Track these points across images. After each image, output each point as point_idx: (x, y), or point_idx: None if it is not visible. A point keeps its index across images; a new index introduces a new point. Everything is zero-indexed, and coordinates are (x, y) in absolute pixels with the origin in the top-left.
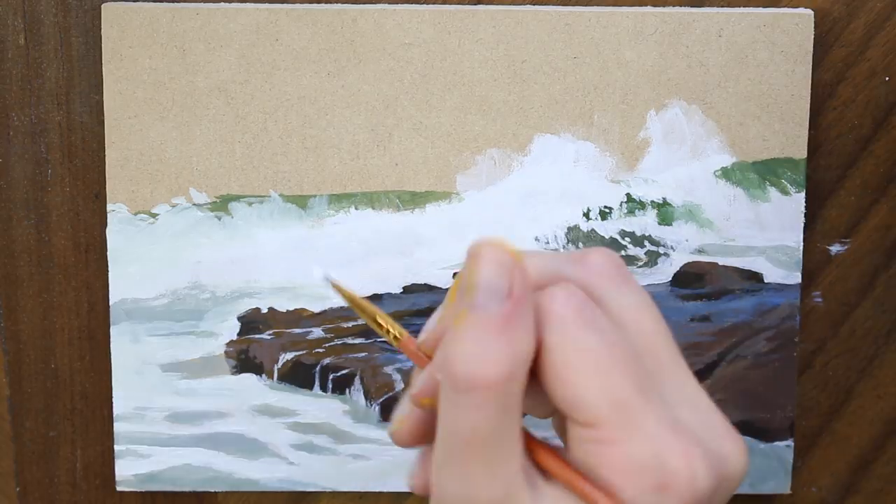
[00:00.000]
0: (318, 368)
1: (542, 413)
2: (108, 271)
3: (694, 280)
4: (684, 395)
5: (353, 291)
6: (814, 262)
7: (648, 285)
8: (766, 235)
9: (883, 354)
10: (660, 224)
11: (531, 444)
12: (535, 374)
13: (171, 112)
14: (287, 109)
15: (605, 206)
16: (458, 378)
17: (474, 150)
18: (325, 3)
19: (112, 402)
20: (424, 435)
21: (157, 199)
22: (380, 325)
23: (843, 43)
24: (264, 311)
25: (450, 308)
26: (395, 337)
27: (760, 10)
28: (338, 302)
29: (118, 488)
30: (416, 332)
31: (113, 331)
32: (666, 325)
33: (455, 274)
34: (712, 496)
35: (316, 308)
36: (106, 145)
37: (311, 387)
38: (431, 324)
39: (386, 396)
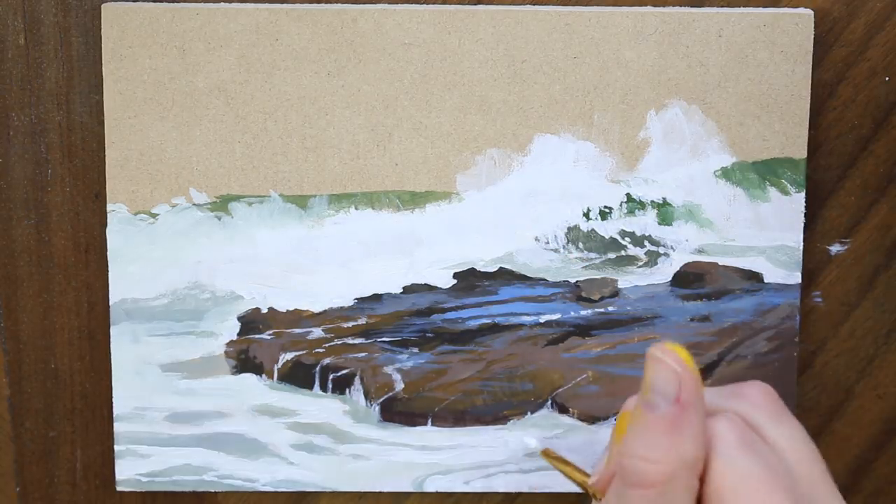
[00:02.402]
0: (318, 368)
1: None
2: (108, 271)
3: (694, 280)
4: None
5: (564, 458)
6: (814, 262)
7: (648, 285)
8: (766, 235)
9: (883, 354)
10: (660, 224)
11: None
12: (702, 501)
13: (171, 112)
14: (287, 109)
15: (605, 206)
16: (628, 473)
17: (474, 150)
18: (325, 3)
19: (112, 402)
20: None
21: (157, 199)
22: (586, 488)
23: (843, 43)
24: (264, 311)
25: (614, 447)
26: (593, 494)
27: (760, 10)
28: (338, 302)
29: (118, 488)
30: (417, 332)
31: (113, 331)
32: (821, 457)
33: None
34: None
35: (316, 308)
36: (106, 145)
37: (311, 387)
38: (601, 465)
39: (386, 396)
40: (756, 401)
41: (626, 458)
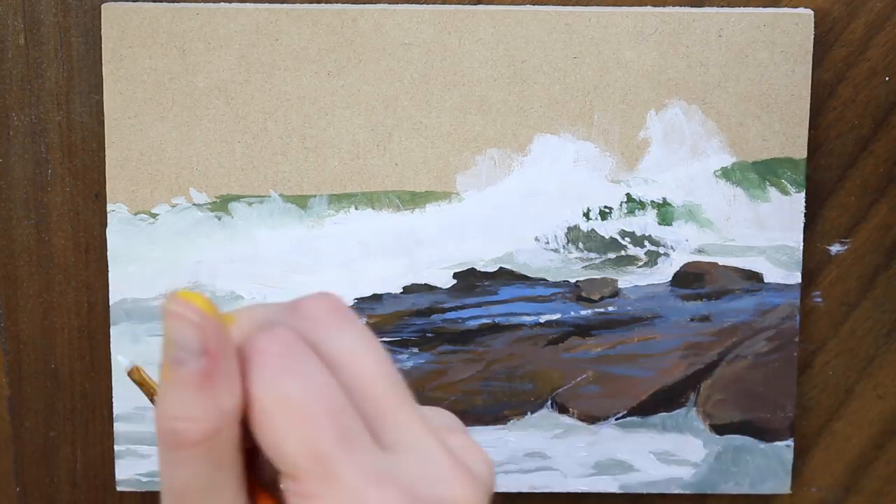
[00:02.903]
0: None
1: None
2: (108, 271)
3: (694, 280)
4: (405, 441)
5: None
6: (814, 262)
7: (648, 285)
8: (766, 235)
9: (883, 354)
10: (660, 224)
11: (258, 493)
12: (246, 421)
13: (171, 112)
14: (287, 109)
15: (605, 206)
16: (166, 435)
17: (474, 150)
18: (325, 3)
19: (112, 402)
20: None
21: (157, 199)
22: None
23: (843, 43)
24: None
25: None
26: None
27: (760, 10)
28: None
29: (118, 488)
30: (417, 332)
31: (113, 331)
32: (392, 366)
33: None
34: None
35: None
36: (106, 145)
37: None
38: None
39: None
40: (312, 313)
41: (164, 420)
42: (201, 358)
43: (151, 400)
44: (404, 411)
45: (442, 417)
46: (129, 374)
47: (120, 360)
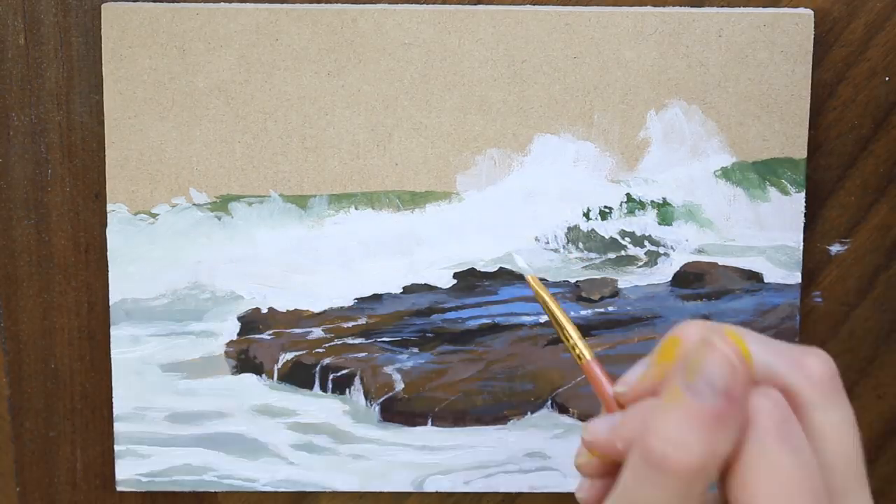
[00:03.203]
0: (318, 368)
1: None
2: (108, 271)
3: (694, 280)
4: None
5: (547, 294)
6: (814, 262)
7: (648, 285)
8: (766, 235)
9: (883, 354)
10: (660, 224)
11: None
12: (723, 469)
13: (171, 112)
14: (287, 109)
15: (605, 206)
16: (653, 454)
17: (474, 150)
18: (325, 3)
19: (112, 402)
20: (608, 474)
21: (157, 199)
22: (566, 338)
23: (843, 43)
24: (264, 311)
25: (655, 369)
26: (578, 356)
27: (760, 10)
28: (338, 302)
29: (118, 488)
30: (417, 332)
31: (113, 331)
32: (861, 449)
33: (663, 339)
34: None
35: (316, 308)
36: (106, 145)
37: (311, 387)
38: (633, 376)
39: (386, 396)
40: (813, 376)
41: (655, 438)
42: (721, 399)
43: (544, 306)
44: (864, 495)
45: None
46: (528, 279)
47: (515, 258)
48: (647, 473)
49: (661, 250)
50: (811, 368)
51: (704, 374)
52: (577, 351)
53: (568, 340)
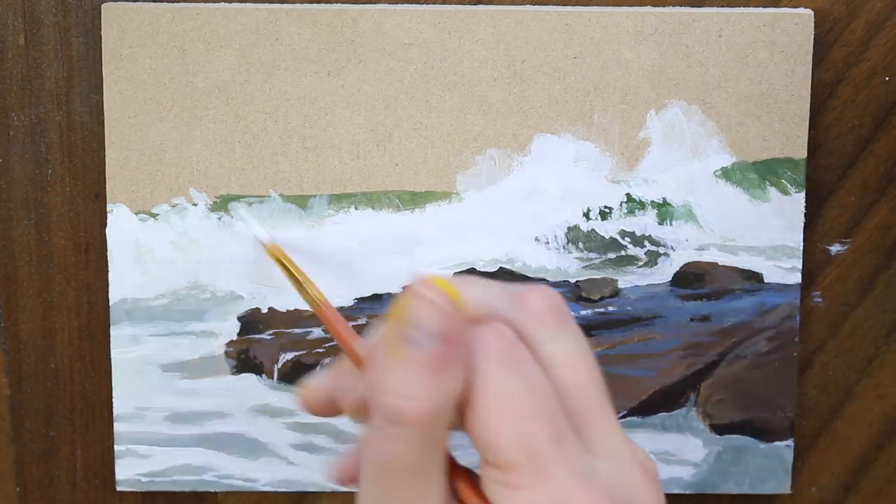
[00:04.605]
0: (318, 368)
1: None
2: (108, 271)
3: (694, 280)
4: (607, 446)
5: (283, 253)
6: (814, 262)
7: (648, 285)
8: (766, 235)
9: (883, 354)
10: (660, 224)
11: (455, 473)
12: (459, 407)
13: (171, 112)
14: (287, 109)
15: (605, 206)
16: (386, 410)
17: (474, 150)
18: (325, 3)
19: (112, 402)
20: (330, 409)
21: (157, 199)
22: (312, 300)
23: (843, 43)
24: (264, 311)
25: (386, 328)
26: (314, 301)
27: (760, 10)
28: (338, 302)
29: (118, 488)
30: None
31: (113, 331)
32: (599, 372)
33: (399, 293)
34: None
35: None
36: (106, 145)
37: None
38: (374, 337)
39: None
40: (536, 311)
41: (385, 394)
42: (438, 343)
43: (291, 278)
44: (608, 418)
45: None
46: (269, 250)
47: (256, 231)
48: (386, 431)
49: (661, 250)
50: (532, 303)
51: (416, 323)
52: (319, 306)
53: (313, 301)
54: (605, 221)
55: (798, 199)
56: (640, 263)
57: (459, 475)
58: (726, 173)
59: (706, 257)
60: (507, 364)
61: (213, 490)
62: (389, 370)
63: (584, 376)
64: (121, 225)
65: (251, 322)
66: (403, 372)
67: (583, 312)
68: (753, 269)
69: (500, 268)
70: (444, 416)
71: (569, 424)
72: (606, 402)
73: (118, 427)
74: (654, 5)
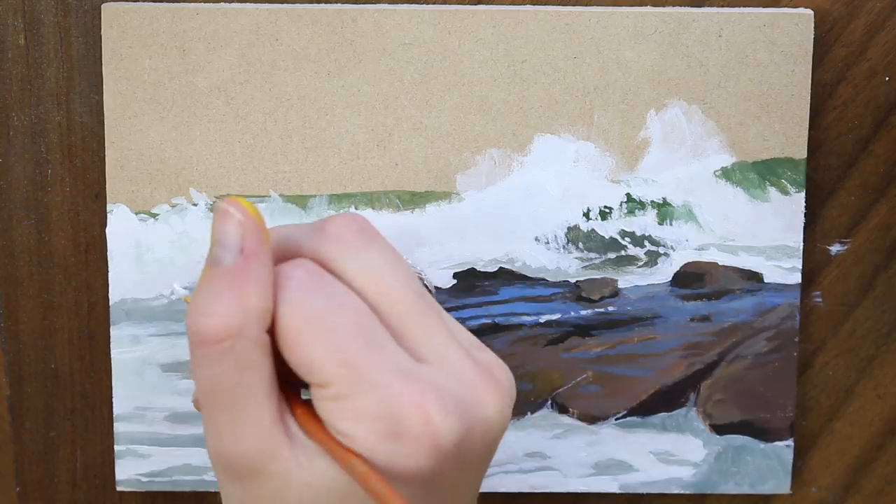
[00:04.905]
0: None
1: None
2: (108, 271)
3: (694, 280)
4: (433, 349)
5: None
6: (814, 262)
7: (648, 285)
8: (766, 235)
9: (883, 354)
10: (660, 224)
11: (295, 406)
12: (278, 342)
13: (171, 112)
14: (287, 109)
15: (605, 206)
16: (192, 331)
17: (474, 150)
18: (325, 3)
19: (112, 402)
20: None
21: (157, 199)
22: None
23: (843, 43)
24: None
25: None
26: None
27: (760, 10)
28: None
29: (118, 488)
30: None
31: (113, 331)
32: (417, 282)
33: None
34: (464, 440)
35: None
36: (106, 145)
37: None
38: None
39: None
40: (336, 235)
41: (191, 316)
42: (234, 256)
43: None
44: (431, 323)
45: (469, 336)
46: (187, 300)
47: (176, 287)
48: (197, 354)
49: (661, 250)
50: (332, 229)
51: (218, 240)
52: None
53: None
54: (605, 221)
55: (798, 199)
56: (640, 263)
57: (298, 406)
58: (726, 173)
59: (706, 257)
60: (308, 288)
61: (213, 490)
62: (197, 292)
63: (397, 288)
64: (121, 225)
65: None
66: (205, 290)
67: (583, 312)
68: (753, 269)
69: (500, 268)
70: (251, 335)
71: (387, 333)
72: (430, 309)
73: (118, 427)
74: (654, 5)
